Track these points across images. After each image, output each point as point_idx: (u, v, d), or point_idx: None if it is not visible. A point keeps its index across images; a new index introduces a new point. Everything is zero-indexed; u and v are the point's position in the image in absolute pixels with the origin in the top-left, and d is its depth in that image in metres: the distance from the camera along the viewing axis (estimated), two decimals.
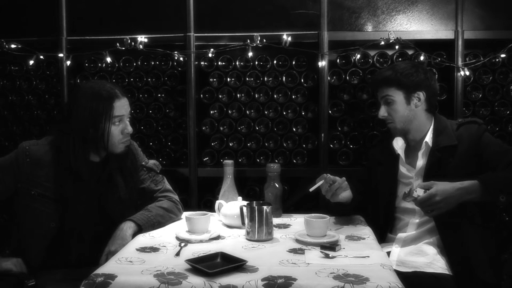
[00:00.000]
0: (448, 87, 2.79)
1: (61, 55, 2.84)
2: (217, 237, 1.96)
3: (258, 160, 2.89)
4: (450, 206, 1.90)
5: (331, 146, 2.83)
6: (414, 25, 2.90)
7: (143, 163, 2.25)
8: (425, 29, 2.87)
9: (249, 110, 2.89)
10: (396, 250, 2.08)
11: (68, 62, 2.85)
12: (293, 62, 2.85)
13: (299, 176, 2.84)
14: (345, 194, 2.11)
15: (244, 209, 2.01)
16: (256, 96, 2.87)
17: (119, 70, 2.93)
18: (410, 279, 1.79)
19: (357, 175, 2.42)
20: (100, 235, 2.01)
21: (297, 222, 2.23)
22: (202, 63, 2.88)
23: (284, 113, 2.87)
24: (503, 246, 2.60)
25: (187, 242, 1.89)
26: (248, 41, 2.72)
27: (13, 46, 2.80)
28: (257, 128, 2.89)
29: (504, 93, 2.78)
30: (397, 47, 2.72)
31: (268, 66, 2.87)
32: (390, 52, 2.82)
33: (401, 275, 1.73)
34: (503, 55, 2.69)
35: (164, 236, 2.00)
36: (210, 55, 2.78)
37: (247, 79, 2.88)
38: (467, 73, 2.69)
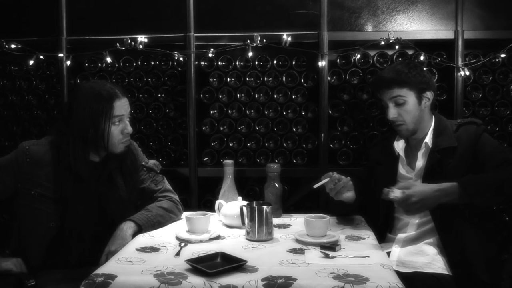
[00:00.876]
0: (448, 87, 2.79)
1: (61, 55, 2.84)
2: (217, 237, 1.96)
3: (258, 160, 2.89)
4: (427, 207, 1.92)
5: (331, 146, 2.84)
6: (414, 25, 2.90)
7: (143, 163, 2.25)
8: (425, 29, 2.87)
9: (249, 110, 2.89)
10: (396, 250, 2.08)
11: (68, 62, 2.85)
12: (293, 62, 2.85)
13: (299, 176, 2.84)
14: (349, 194, 2.11)
15: (244, 209, 2.01)
16: (256, 96, 2.87)
17: (119, 70, 2.93)
18: (410, 279, 1.79)
19: (357, 175, 2.42)
20: (100, 235, 2.01)
21: (297, 222, 2.22)
22: (202, 63, 2.88)
23: (284, 113, 2.87)
24: (503, 246, 2.60)
25: (187, 242, 1.89)
26: (248, 41, 2.72)
27: (13, 46, 2.80)
28: (257, 128, 2.89)
29: (504, 93, 2.78)
30: (397, 47, 2.72)
31: (268, 66, 2.87)
32: (390, 52, 2.82)
33: (401, 275, 1.73)
34: (503, 55, 2.69)
35: (164, 236, 2.00)
36: (210, 55, 2.78)
37: (247, 79, 2.88)
38: (467, 73, 2.69)
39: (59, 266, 2.00)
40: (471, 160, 2.03)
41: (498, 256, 2.24)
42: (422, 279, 1.92)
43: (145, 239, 1.96)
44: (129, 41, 2.74)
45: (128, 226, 1.99)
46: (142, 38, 2.75)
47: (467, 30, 2.73)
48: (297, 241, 1.90)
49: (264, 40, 2.73)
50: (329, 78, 2.78)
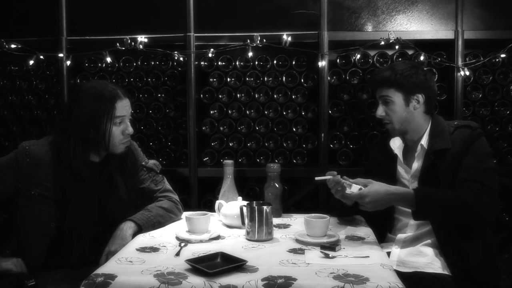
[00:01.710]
0: (448, 87, 2.79)
1: (61, 55, 2.84)
2: (217, 237, 1.96)
3: (258, 160, 2.89)
4: (378, 208, 1.94)
5: (331, 146, 2.84)
6: (414, 25, 2.90)
7: (143, 163, 2.25)
8: (425, 29, 2.87)
9: (249, 110, 2.89)
10: (396, 250, 2.08)
11: (68, 62, 2.85)
12: (293, 62, 2.85)
13: (299, 176, 2.84)
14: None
15: (244, 209, 2.01)
16: (256, 96, 2.87)
17: (119, 70, 2.93)
18: (410, 279, 1.79)
19: (357, 175, 2.41)
20: (100, 235, 2.01)
21: (297, 222, 2.22)
22: (202, 63, 2.88)
23: (284, 113, 2.87)
24: (503, 246, 2.60)
25: (187, 242, 1.89)
26: (248, 41, 2.73)
27: (13, 46, 2.80)
28: (257, 128, 2.89)
29: (504, 93, 2.78)
30: (397, 47, 2.72)
31: (268, 66, 2.87)
32: (390, 52, 2.82)
33: (401, 275, 1.73)
34: (503, 55, 2.69)
35: (164, 236, 2.00)
36: (210, 55, 2.78)
37: (247, 79, 2.88)
38: (467, 73, 2.69)
39: (59, 266, 1.99)
40: (461, 164, 2.02)
41: (497, 256, 2.23)
42: (422, 279, 1.92)
43: (145, 239, 1.96)
44: (129, 41, 2.75)
45: (128, 226, 1.98)
46: (142, 38, 2.75)
47: (467, 30, 2.73)
48: (297, 241, 1.90)
49: (264, 40, 2.73)
50: (329, 78, 2.78)
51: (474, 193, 1.89)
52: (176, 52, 2.78)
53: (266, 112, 2.88)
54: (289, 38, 2.70)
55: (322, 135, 2.77)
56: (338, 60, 2.84)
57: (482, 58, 2.73)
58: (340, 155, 2.86)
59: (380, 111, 2.16)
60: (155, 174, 2.27)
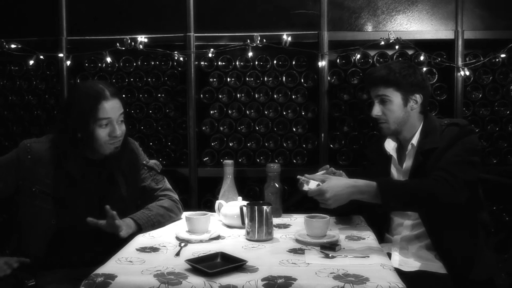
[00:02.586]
0: (448, 87, 2.79)
1: (61, 55, 2.84)
2: (217, 237, 1.96)
3: (258, 160, 2.89)
4: (339, 202, 1.86)
5: (331, 146, 2.84)
6: (414, 25, 2.90)
7: (144, 162, 2.26)
8: (425, 29, 2.87)
9: (249, 110, 2.89)
10: (395, 252, 2.08)
11: (68, 62, 2.85)
12: (293, 62, 2.85)
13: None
14: None
15: (244, 209, 2.01)
16: (256, 96, 2.87)
17: (119, 70, 2.93)
18: (411, 279, 1.79)
19: (356, 175, 2.41)
20: (100, 233, 2.02)
21: (297, 222, 2.22)
22: (202, 63, 2.88)
23: (284, 113, 2.87)
24: (503, 246, 2.60)
25: (187, 242, 1.89)
26: (248, 41, 2.73)
27: (13, 46, 2.80)
28: (257, 128, 2.89)
29: (504, 93, 2.78)
30: (397, 47, 2.72)
31: (268, 66, 2.87)
32: (390, 52, 2.82)
33: (403, 274, 1.73)
34: (503, 55, 2.69)
35: (164, 236, 2.00)
36: (210, 55, 2.79)
37: (247, 79, 2.88)
38: (467, 73, 2.69)
39: (59, 265, 2.00)
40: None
41: (496, 255, 2.23)
42: (423, 279, 1.92)
43: (145, 239, 1.96)
44: (129, 41, 2.75)
45: (128, 223, 1.98)
46: (142, 38, 2.75)
47: (467, 30, 2.73)
48: (297, 241, 1.90)
49: (264, 40, 2.73)
50: (329, 78, 2.78)
51: (436, 180, 1.88)
52: (176, 52, 2.78)
53: (266, 112, 2.88)
54: (289, 38, 2.70)
55: (322, 135, 2.77)
56: (338, 60, 2.84)
57: (482, 58, 2.73)
58: (340, 155, 2.86)
59: (377, 111, 2.13)
60: (156, 174, 2.27)
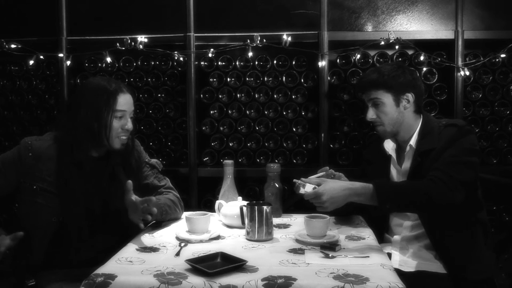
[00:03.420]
0: (448, 87, 2.79)
1: (61, 55, 2.84)
2: (217, 237, 1.96)
3: (258, 160, 2.89)
4: (336, 205, 1.87)
5: (331, 146, 2.84)
6: (414, 25, 2.90)
7: (146, 160, 2.26)
8: (425, 29, 2.87)
9: (249, 110, 2.89)
10: (395, 252, 2.08)
11: (68, 62, 2.85)
12: (293, 62, 2.85)
13: (299, 176, 2.83)
14: None
15: (244, 209, 2.01)
16: (256, 96, 2.88)
17: (119, 70, 2.93)
18: (412, 279, 1.79)
19: (356, 175, 2.42)
20: (102, 231, 2.02)
21: (297, 222, 2.22)
22: (202, 63, 2.88)
23: (284, 113, 2.87)
24: (503, 246, 2.60)
25: (187, 242, 1.89)
26: (248, 41, 2.73)
27: (13, 46, 2.80)
28: (257, 128, 2.90)
29: (504, 93, 2.78)
30: (397, 47, 2.72)
31: (268, 66, 2.87)
32: (390, 52, 2.82)
33: (403, 275, 1.73)
34: (503, 55, 2.69)
35: (164, 236, 2.00)
36: (210, 55, 2.79)
37: (247, 79, 2.88)
38: (467, 73, 2.69)
39: (59, 266, 1.99)
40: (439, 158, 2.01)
41: (496, 255, 2.23)
42: (423, 279, 1.93)
43: (145, 239, 1.96)
44: (129, 41, 2.75)
45: None
46: (142, 38, 2.75)
47: (467, 30, 2.73)
48: (297, 241, 1.90)
49: (264, 40, 2.73)
50: (329, 78, 2.78)
51: (432, 181, 1.88)
52: (176, 52, 2.78)
53: (266, 112, 2.88)
54: (289, 38, 2.70)
55: (322, 135, 2.77)
56: (338, 60, 2.84)
57: (482, 58, 2.73)
58: (340, 155, 2.86)
59: (371, 114, 2.14)
60: (158, 172, 2.28)
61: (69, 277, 1.90)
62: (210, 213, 2.05)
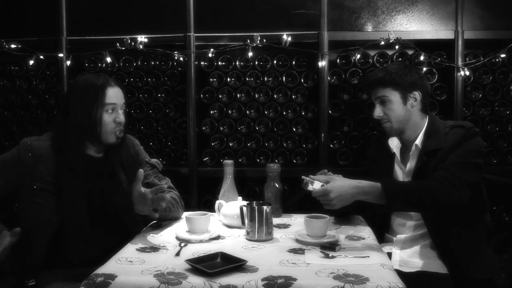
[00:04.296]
0: (448, 87, 2.79)
1: (61, 55, 2.84)
2: (217, 237, 1.96)
3: (258, 160, 2.89)
4: (344, 203, 1.87)
5: (331, 146, 2.84)
6: (414, 25, 2.90)
7: (146, 159, 2.26)
8: (425, 29, 2.87)
9: (249, 110, 2.89)
10: (397, 251, 2.08)
11: (68, 62, 2.85)
12: (293, 62, 2.85)
13: (299, 176, 2.83)
14: None
15: (244, 209, 2.01)
16: (256, 96, 2.87)
17: (119, 70, 2.93)
18: (412, 279, 1.79)
19: (356, 175, 2.41)
20: (101, 230, 2.02)
21: (297, 222, 2.23)
22: (202, 63, 2.88)
23: (284, 113, 2.87)
24: (503, 246, 2.60)
25: (187, 242, 1.89)
26: (248, 41, 2.73)
27: (13, 46, 2.80)
28: (257, 128, 2.89)
29: (504, 93, 2.78)
30: (397, 47, 2.72)
31: (268, 66, 2.87)
32: (390, 52, 2.82)
33: (404, 275, 1.73)
34: (503, 55, 2.69)
35: (164, 236, 2.00)
36: (210, 55, 2.78)
37: (247, 79, 2.88)
38: (467, 73, 2.69)
39: (60, 266, 1.99)
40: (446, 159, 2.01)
41: (496, 255, 2.24)
42: (424, 279, 1.93)
43: (145, 239, 1.96)
44: (129, 41, 2.75)
45: None
46: (142, 38, 2.75)
47: (467, 30, 2.73)
48: (297, 241, 1.90)
49: (264, 40, 2.73)
50: (329, 78, 2.78)
51: (438, 181, 1.90)
52: (176, 52, 2.78)
53: (266, 112, 2.88)
54: (289, 38, 2.70)
55: (322, 135, 2.77)
56: (338, 60, 2.84)
57: (482, 58, 2.73)
58: (340, 155, 2.86)
59: (378, 112, 2.15)
60: (158, 171, 2.28)
61: (69, 277, 1.90)
62: (210, 213, 2.05)
